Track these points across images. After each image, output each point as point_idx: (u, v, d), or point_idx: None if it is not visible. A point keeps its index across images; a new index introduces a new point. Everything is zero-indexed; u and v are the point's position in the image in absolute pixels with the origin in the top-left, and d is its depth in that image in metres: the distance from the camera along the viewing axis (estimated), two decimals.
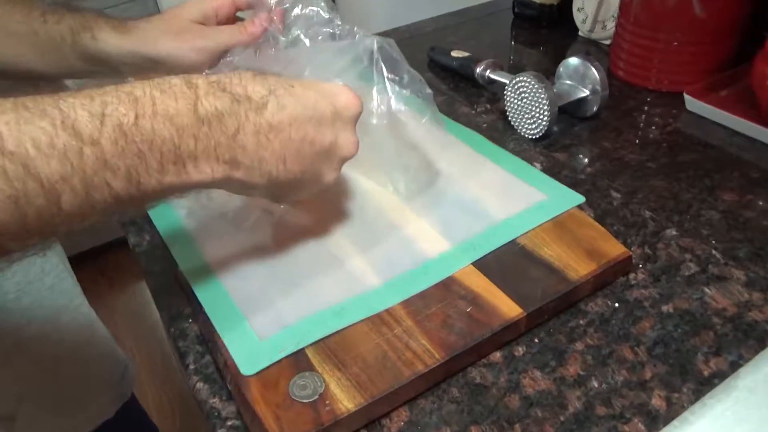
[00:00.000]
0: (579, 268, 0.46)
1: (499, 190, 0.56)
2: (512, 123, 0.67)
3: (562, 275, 0.46)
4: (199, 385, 0.42)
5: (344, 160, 0.45)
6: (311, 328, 0.43)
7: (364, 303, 0.45)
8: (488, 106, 0.73)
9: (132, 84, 0.34)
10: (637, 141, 0.65)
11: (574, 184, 0.58)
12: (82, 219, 0.32)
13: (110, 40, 0.55)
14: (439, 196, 0.55)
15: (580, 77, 0.67)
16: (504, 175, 0.58)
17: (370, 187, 0.57)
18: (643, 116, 0.69)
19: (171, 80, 0.36)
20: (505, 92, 0.67)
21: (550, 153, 0.64)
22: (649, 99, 0.72)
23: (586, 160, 0.63)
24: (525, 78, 0.64)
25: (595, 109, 0.67)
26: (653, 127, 0.67)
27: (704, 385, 0.40)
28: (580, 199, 0.54)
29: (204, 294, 0.47)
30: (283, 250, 0.50)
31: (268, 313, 0.45)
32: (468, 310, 0.43)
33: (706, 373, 0.41)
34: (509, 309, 0.43)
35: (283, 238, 0.51)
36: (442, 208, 0.54)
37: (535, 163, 0.62)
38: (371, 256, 0.49)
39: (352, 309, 0.44)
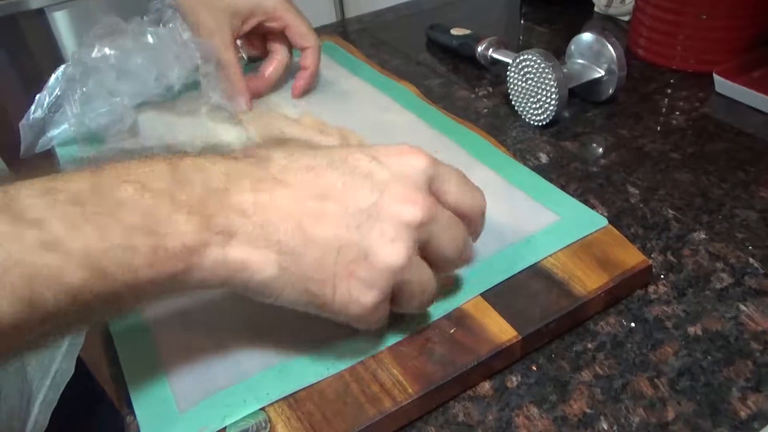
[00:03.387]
0: (587, 281, 0.38)
1: (503, 205, 0.44)
2: (516, 108, 0.60)
3: (566, 289, 0.38)
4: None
5: (410, 228, 0.30)
6: (247, 396, 0.33)
7: (324, 355, 0.35)
8: (490, 89, 0.65)
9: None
10: (659, 128, 0.57)
11: (585, 178, 0.51)
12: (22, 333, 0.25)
13: None
14: None
15: (594, 55, 0.59)
16: (503, 185, 0.47)
17: None
18: (666, 100, 0.61)
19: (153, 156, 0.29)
20: (508, 73, 0.59)
21: (558, 142, 0.56)
22: (672, 81, 0.64)
23: (600, 150, 0.55)
24: (530, 56, 0.56)
25: (610, 91, 0.59)
26: (678, 113, 0.59)
27: (741, 430, 0.32)
28: (602, 221, 0.43)
29: (121, 333, 0.38)
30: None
31: (199, 371, 0.35)
32: (452, 331, 0.36)
33: (742, 413, 0.33)
34: (501, 331, 0.36)
35: None
36: None
37: (541, 154, 0.54)
38: None
39: (308, 365, 0.35)
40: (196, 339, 0.37)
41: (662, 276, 0.41)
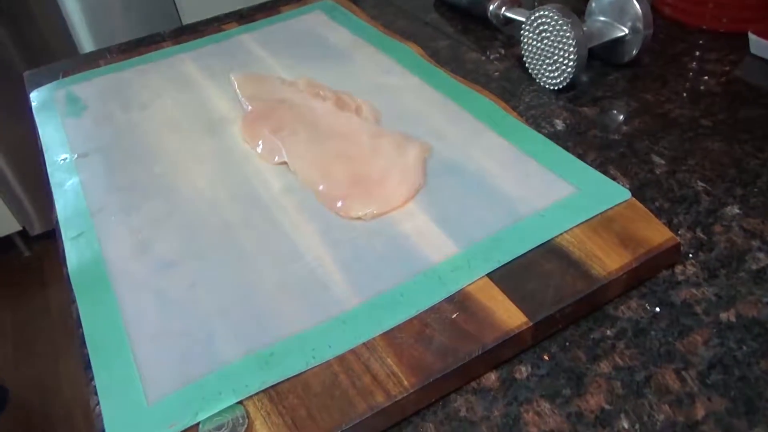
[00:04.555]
0: (607, 260, 0.34)
1: (513, 175, 0.41)
2: (530, 71, 0.55)
3: (583, 269, 0.34)
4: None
5: None
6: (223, 387, 0.30)
7: (311, 342, 0.32)
8: (502, 51, 0.60)
9: None
10: (687, 93, 0.52)
11: (605, 147, 0.46)
12: None
13: None
14: (436, 179, 0.42)
15: (617, 12, 0.53)
16: (514, 154, 0.43)
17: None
18: (695, 63, 0.56)
19: None
20: (521, 32, 0.54)
21: (575, 107, 0.51)
22: (702, 41, 0.59)
23: (622, 116, 0.50)
24: (546, 12, 0.51)
25: (634, 52, 0.54)
26: (707, 76, 0.54)
27: None
28: (624, 194, 0.39)
29: (89, 312, 0.35)
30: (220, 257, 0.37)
31: (171, 357, 0.32)
32: (454, 316, 0.32)
33: None
34: (510, 316, 0.32)
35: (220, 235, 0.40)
36: (442, 197, 0.40)
37: (557, 120, 0.49)
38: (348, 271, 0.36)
39: (292, 353, 0.31)
40: (170, 321, 0.33)
41: (691, 255, 0.37)
